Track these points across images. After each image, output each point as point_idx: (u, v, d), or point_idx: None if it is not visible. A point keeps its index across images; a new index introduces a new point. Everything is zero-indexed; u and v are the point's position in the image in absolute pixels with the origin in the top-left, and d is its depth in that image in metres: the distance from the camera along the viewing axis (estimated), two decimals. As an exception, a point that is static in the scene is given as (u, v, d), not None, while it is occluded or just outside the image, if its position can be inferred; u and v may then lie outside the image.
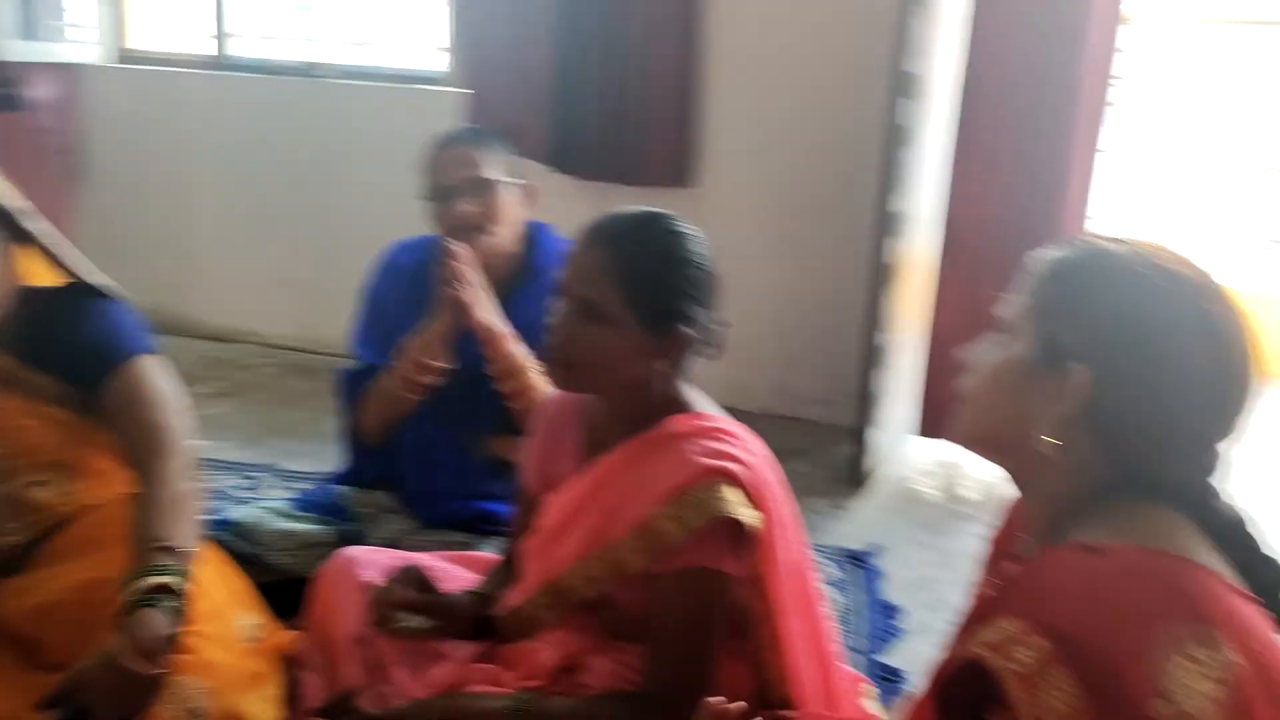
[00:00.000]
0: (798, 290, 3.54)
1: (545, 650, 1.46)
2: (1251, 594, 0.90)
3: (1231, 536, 0.94)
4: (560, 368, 1.43)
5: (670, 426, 1.41)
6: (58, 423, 1.62)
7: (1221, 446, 0.94)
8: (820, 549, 2.58)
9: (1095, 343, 0.92)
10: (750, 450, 1.41)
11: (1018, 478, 1.03)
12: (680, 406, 1.44)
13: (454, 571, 1.70)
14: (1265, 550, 0.95)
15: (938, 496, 3.09)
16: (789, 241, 3.50)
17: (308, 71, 3.96)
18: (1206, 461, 0.95)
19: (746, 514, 1.34)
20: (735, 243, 3.46)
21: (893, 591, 2.46)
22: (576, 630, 1.48)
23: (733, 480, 1.35)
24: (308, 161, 3.90)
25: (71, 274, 1.66)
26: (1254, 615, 0.87)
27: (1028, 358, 0.97)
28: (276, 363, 3.91)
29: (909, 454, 3.34)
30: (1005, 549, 1.13)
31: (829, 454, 3.28)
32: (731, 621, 1.41)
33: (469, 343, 1.94)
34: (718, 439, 1.39)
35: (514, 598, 1.52)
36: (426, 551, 1.81)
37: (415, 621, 1.46)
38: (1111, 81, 3.09)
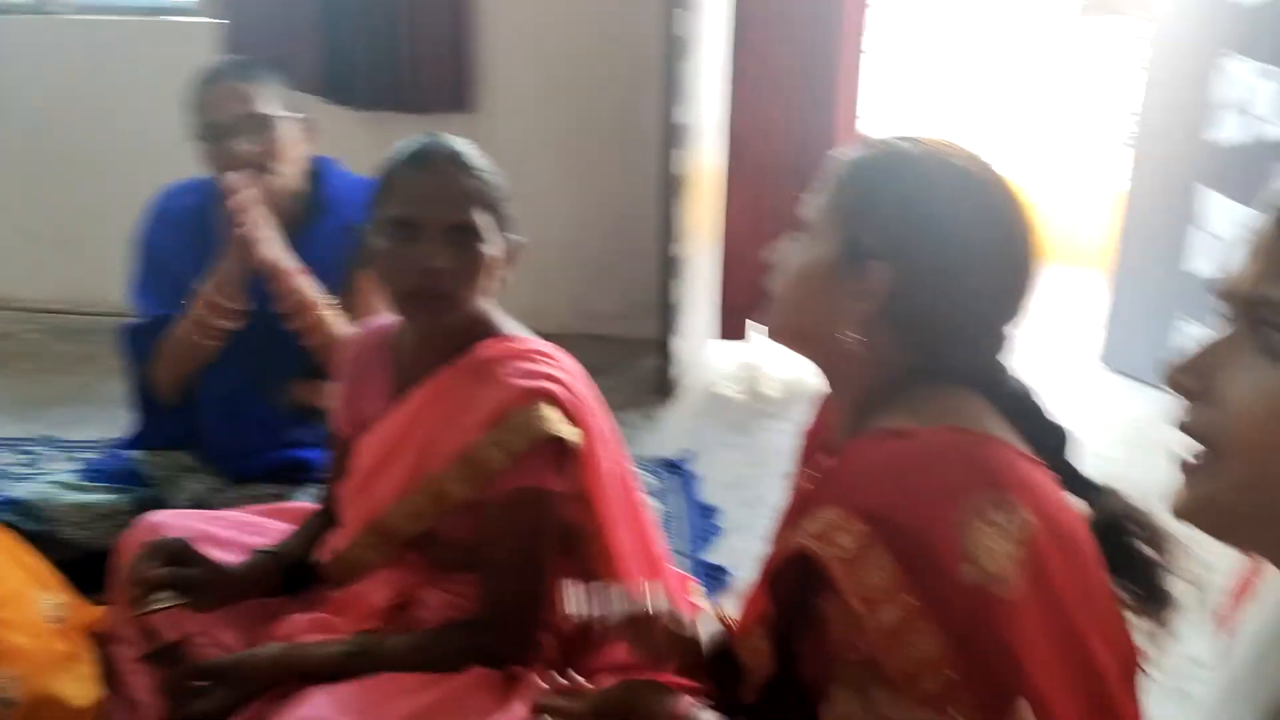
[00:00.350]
0: (590, 208, 3.54)
1: (375, 591, 1.44)
2: (1039, 459, 0.98)
3: (1019, 408, 1.02)
4: (445, 297, 1.39)
5: (481, 352, 1.40)
6: None
7: (1008, 329, 1.02)
8: (636, 460, 2.63)
9: (894, 242, 0.97)
10: (565, 368, 1.42)
11: (826, 371, 1.07)
12: (489, 331, 1.43)
13: (267, 526, 1.64)
14: (1049, 418, 1.04)
15: (743, 398, 3.21)
16: (577, 159, 3.49)
17: (37, 8, 3.59)
18: (996, 344, 1.02)
19: (568, 431, 1.36)
20: (522, 164, 3.41)
21: (709, 493, 2.56)
22: (405, 568, 1.46)
23: (551, 399, 1.35)
24: (51, 108, 3.56)
25: None
26: (1043, 478, 0.95)
27: (832, 258, 1.01)
28: (40, 327, 3.61)
29: (712, 359, 3.45)
30: (818, 442, 1.19)
31: (635, 367, 3.33)
32: (561, 538, 1.43)
33: (262, 282, 1.86)
34: (532, 359, 1.39)
35: (336, 543, 1.49)
36: (236, 507, 1.75)
37: (166, 598, 1.39)
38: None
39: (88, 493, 1.93)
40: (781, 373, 3.34)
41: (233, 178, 1.83)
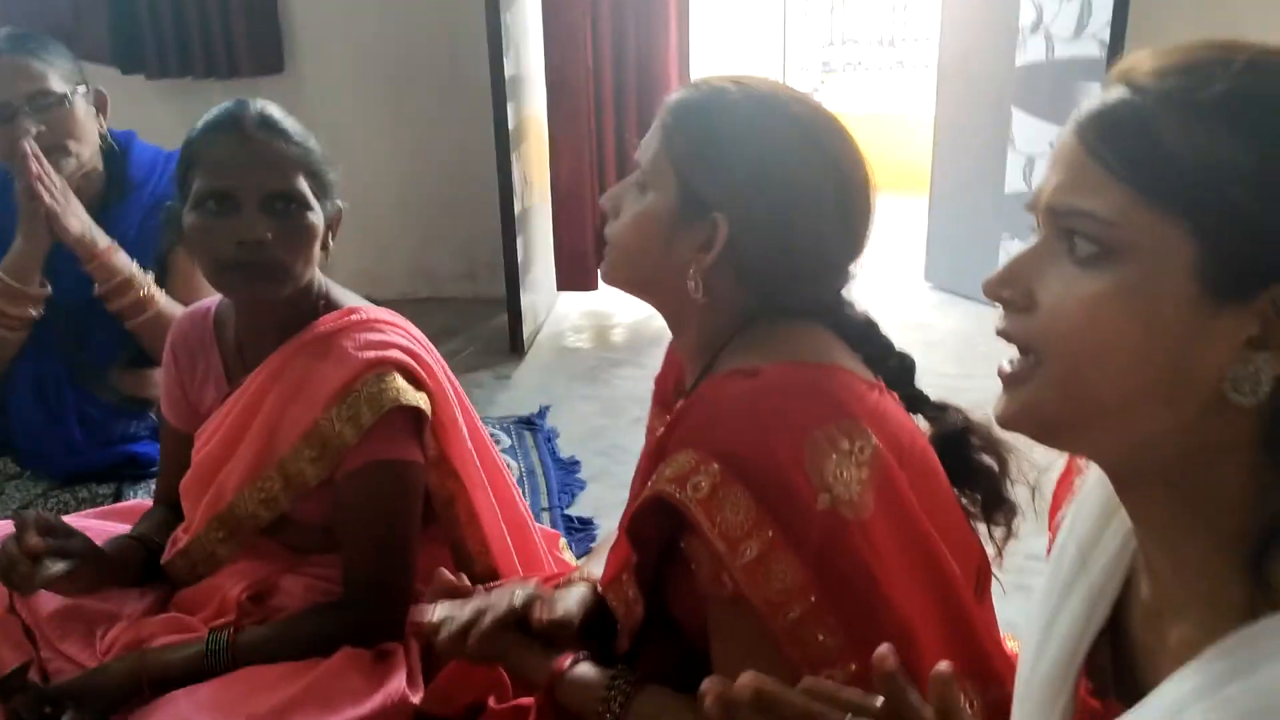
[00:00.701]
0: (423, 168, 3.45)
1: (230, 583, 1.38)
2: (885, 384, 1.01)
3: (863, 337, 1.05)
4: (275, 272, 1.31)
5: (320, 326, 1.34)
6: None
7: (849, 266, 1.04)
8: (491, 420, 2.61)
9: (731, 192, 0.98)
10: (409, 334, 1.38)
11: (670, 316, 1.07)
12: (327, 304, 1.37)
13: (106, 528, 1.54)
14: (892, 346, 1.07)
15: (591, 348, 3.21)
16: (404, 118, 3.39)
17: None
18: (838, 281, 1.04)
19: (419, 398, 1.32)
20: (345, 126, 3.32)
21: (567, 446, 2.55)
22: (260, 557, 1.40)
23: (398, 367, 1.31)
24: None
25: None
26: (888, 403, 0.98)
27: (669, 207, 1.00)
28: None
29: (558, 313, 3.43)
30: (669, 386, 1.19)
31: (483, 328, 3.29)
32: (425, 507, 1.40)
33: (69, 264, 1.73)
34: (374, 329, 1.34)
35: (181, 539, 1.41)
36: (69, 514, 1.64)
37: (57, 568, 1.25)
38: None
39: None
40: (628, 318, 3.35)
41: (23, 150, 1.68)
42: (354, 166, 3.37)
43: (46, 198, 1.68)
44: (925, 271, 3.64)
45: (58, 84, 1.75)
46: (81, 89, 1.80)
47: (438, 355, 1.44)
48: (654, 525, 0.96)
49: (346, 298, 1.40)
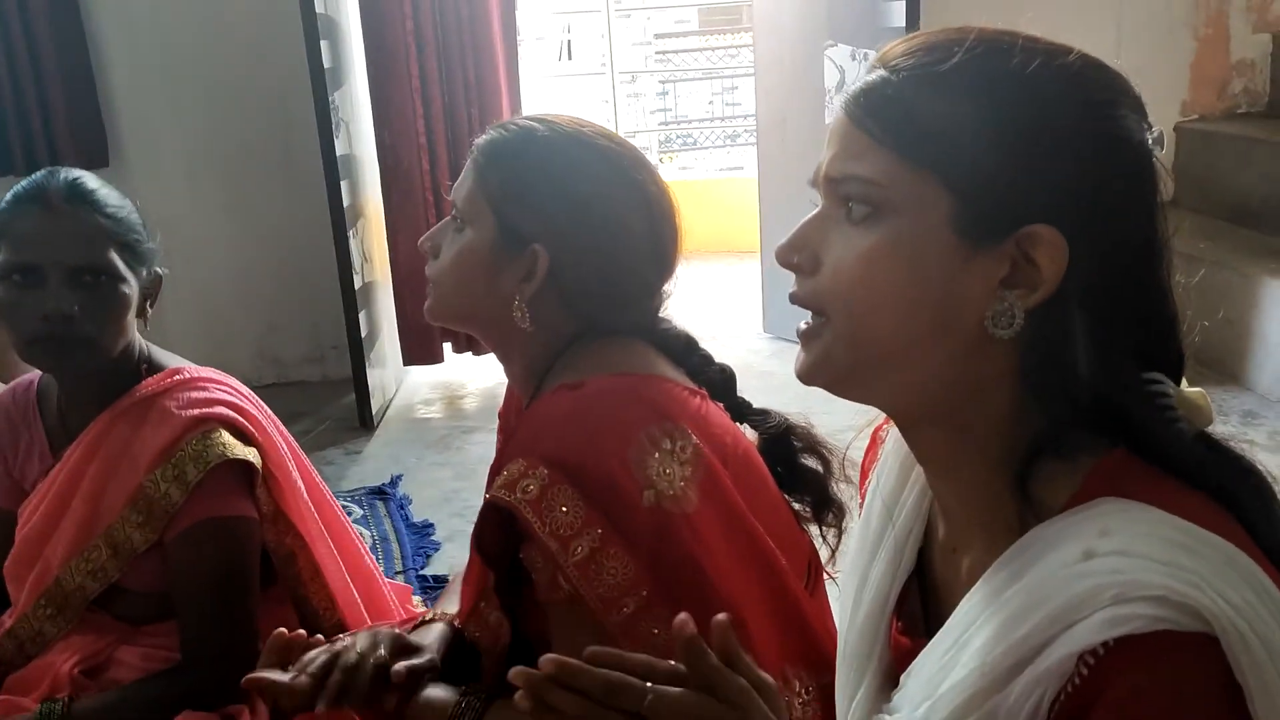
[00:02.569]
0: (262, 254, 3.44)
1: (60, 659, 1.34)
2: (704, 391, 1.07)
3: (685, 350, 1.11)
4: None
5: (142, 391, 1.34)
6: None
7: (663, 285, 1.11)
8: (343, 494, 2.60)
9: (548, 224, 1.04)
10: (235, 390, 1.39)
11: (498, 348, 1.13)
12: (149, 368, 1.37)
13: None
14: (712, 359, 1.13)
15: (441, 418, 3.23)
16: (240, 206, 3.38)
17: None
18: (655, 300, 1.11)
19: (247, 452, 1.33)
20: (181, 217, 3.30)
21: (421, 511, 2.55)
22: (92, 630, 1.38)
23: (224, 422, 1.32)
24: None
25: None
26: (709, 408, 1.05)
27: (489, 243, 1.06)
28: None
29: (407, 387, 3.44)
30: (511, 418, 1.24)
31: (332, 408, 3.27)
32: (264, 565, 1.40)
33: None
34: (197, 388, 1.35)
35: (8, 621, 1.38)
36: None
37: None
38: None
39: None
40: (477, 386, 3.38)
41: None
42: (191, 256, 3.38)
43: None
44: (763, 324, 3.81)
45: None
46: None
47: (268, 411, 1.45)
48: (497, 539, 0.99)
49: (169, 360, 1.40)
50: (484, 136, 1.11)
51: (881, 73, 0.68)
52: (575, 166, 1.06)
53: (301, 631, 1.08)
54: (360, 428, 3.10)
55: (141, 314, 1.35)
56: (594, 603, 0.92)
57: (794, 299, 0.72)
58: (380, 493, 2.64)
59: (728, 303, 4.09)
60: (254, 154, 3.33)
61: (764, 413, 1.14)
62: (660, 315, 1.13)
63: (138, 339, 1.37)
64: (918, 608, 0.78)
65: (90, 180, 1.34)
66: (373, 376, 3.11)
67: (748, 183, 4.36)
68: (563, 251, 1.04)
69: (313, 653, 1.03)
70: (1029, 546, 0.64)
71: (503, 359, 1.14)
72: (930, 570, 0.78)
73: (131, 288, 1.31)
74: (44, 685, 1.34)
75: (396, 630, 1.10)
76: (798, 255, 0.71)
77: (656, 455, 0.95)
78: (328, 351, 3.47)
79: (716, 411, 1.07)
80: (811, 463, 1.12)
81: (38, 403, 1.42)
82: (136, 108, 3.26)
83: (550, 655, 0.64)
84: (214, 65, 3.26)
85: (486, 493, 1.01)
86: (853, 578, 0.82)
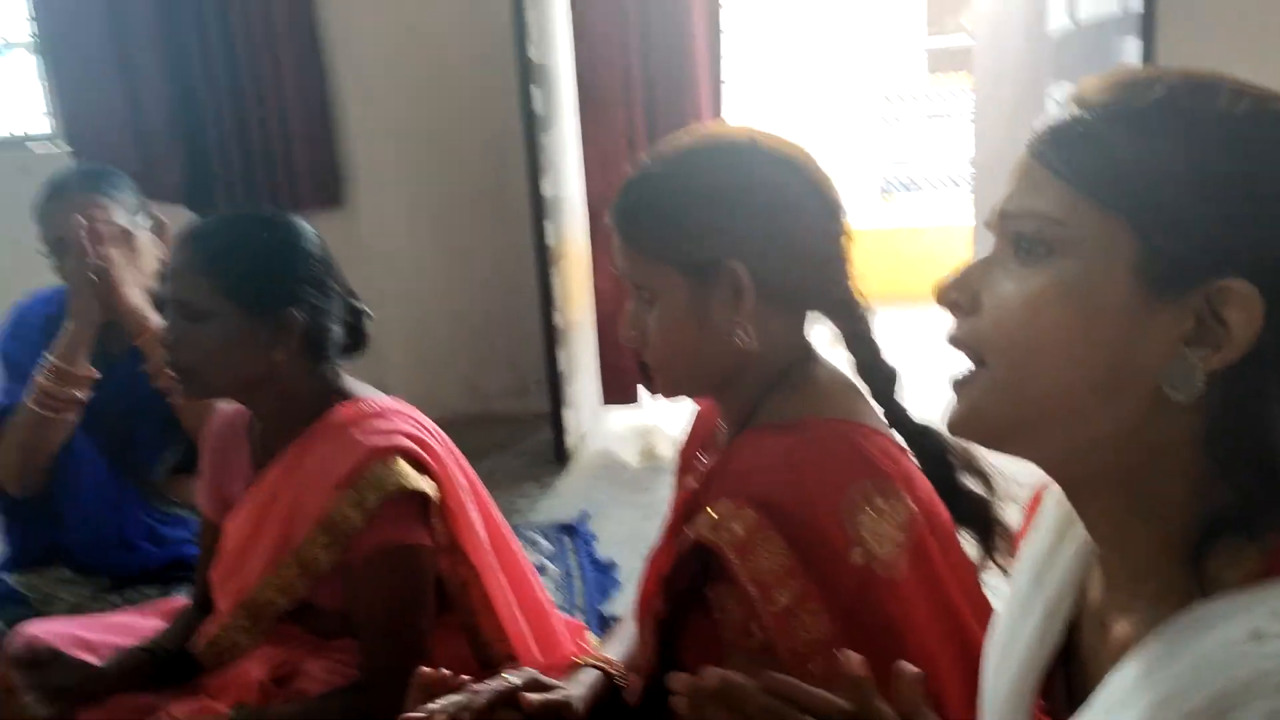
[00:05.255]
0: (470, 288, 3.59)
1: (254, 667, 1.43)
2: (903, 445, 1.02)
3: (858, 341, 1.06)
4: (181, 378, 1.40)
5: (332, 417, 1.42)
6: None
7: (845, 247, 1.06)
8: (532, 526, 2.66)
9: (722, 237, 1.01)
10: (416, 423, 1.45)
11: (726, 388, 1.08)
12: (339, 398, 1.45)
13: (139, 625, 1.61)
14: (882, 358, 1.07)
15: (636, 459, 3.25)
16: (451, 242, 3.55)
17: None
18: (841, 271, 1.06)
19: (424, 483, 1.37)
20: (399, 252, 3.50)
21: (606, 550, 2.57)
22: (283, 642, 1.46)
23: (404, 452, 1.37)
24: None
25: None
26: (913, 467, 1.00)
27: (684, 291, 1.02)
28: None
29: (603, 426, 3.49)
30: (693, 454, 1.21)
31: (530, 442, 3.36)
32: (438, 593, 1.44)
33: (119, 367, 1.84)
34: (382, 418, 1.41)
35: (209, 629, 1.47)
36: (118, 610, 1.72)
37: (33, 706, 1.34)
38: (723, 53, 3.33)
39: (-41, 619, 1.87)
40: (673, 431, 3.39)
41: (77, 227, 1.79)
42: (409, 293, 3.56)
43: (112, 270, 1.79)
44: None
45: (122, 219, 1.90)
46: (141, 219, 1.95)
47: (449, 444, 1.50)
48: (688, 576, 0.98)
49: (360, 390, 1.47)
50: (610, 209, 1.08)
51: (1071, 110, 0.63)
52: (705, 168, 1.03)
53: (445, 671, 1.10)
54: (555, 462, 3.17)
55: (282, 346, 1.38)
56: (785, 655, 0.89)
57: (951, 341, 0.67)
58: (568, 528, 2.68)
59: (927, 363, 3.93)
60: (468, 196, 3.50)
61: (922, 429, 1.06)
62: (852, 296, 1.07)
63: (332, 370, 1.44)
64: (1063, 688, 0.72)
65: (209, 224, 1.43)
66: (570, 413, 3.18)
67: (966, 230, 4.22)
68: (750, 251, 1.00)
69: (452, 696, 1.06)
70: (1192, 623, 0.58)
71: (725, 397, 1.10)
72: (1077, 638, 0.71)
73: (227, 323, 1.36)
74: (236, 691, 1.43)
75: (536, 672, 1.11)
76: (957, 292, 0.66)
77: (869, 512, 0.91)
78: (530, 386, 3.58)
79: (919, 473, 1.01)
80: (972, 484, 1.03)
81: (247, 424, 1.53)
82: (367, 153, 3.49)
83: (717, 670, 0.64)
84: (437, 112, 3.45)
85: (687, 529, 0.99)
86: (995, 644, 0.77)
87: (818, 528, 0.90)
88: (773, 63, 5.62)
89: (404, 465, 1.36)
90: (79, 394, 1.83)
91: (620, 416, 3.53)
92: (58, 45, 3.32)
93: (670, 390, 1.10)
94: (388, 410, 1.44)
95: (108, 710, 1.44)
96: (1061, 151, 0.62)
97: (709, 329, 1.02)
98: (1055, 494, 0.74)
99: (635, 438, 3.41)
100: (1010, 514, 0.99)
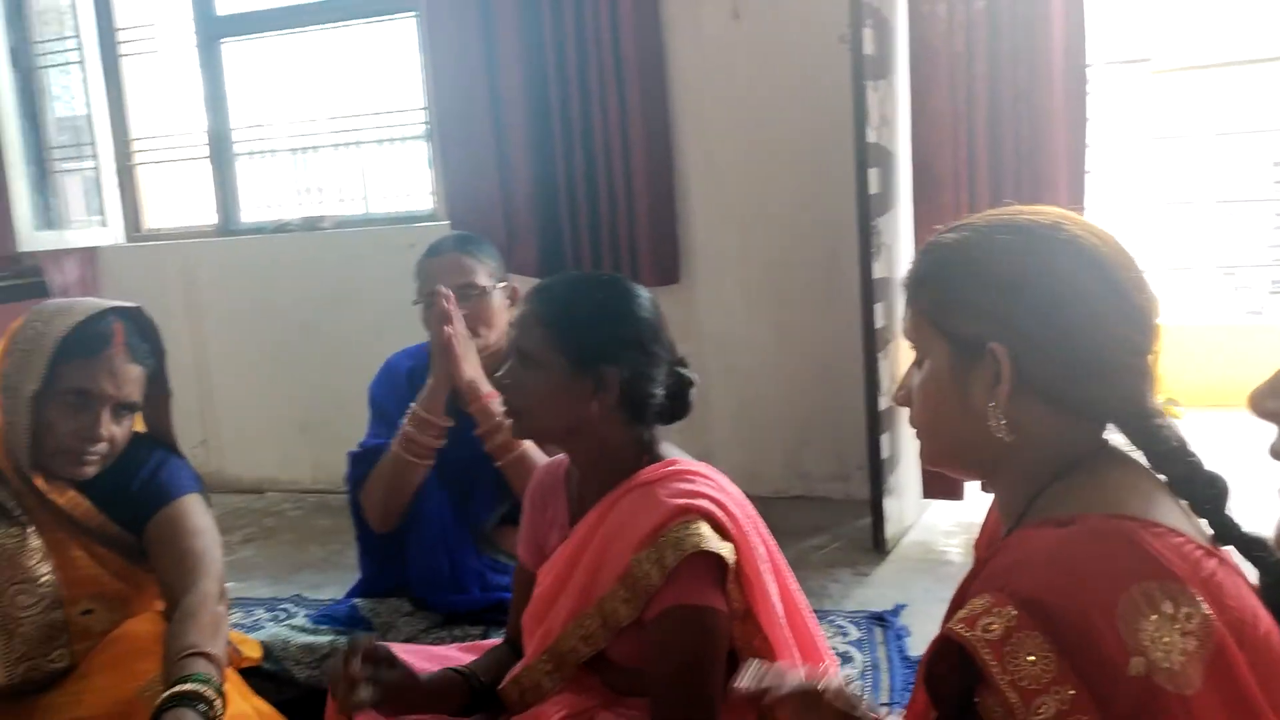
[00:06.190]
0: (798, 368, 3.59)
1: (552, 711, 1.48)
2: (1215, 548, 0.91)
3: (1172, 456, 0.96)
4: (512, 417, 1.51)
5: (642, 476, 1.47)
6: (107, 560, 1.72)
7: (1140, 359, 0.97)
8: (842, 614, 2.58)
9: (990, 316, 0.97)
10: (722, 489, 1.46)
11: (988, 475, 1.05)
12: (651, 458, 1.49)
13: (460, 658, 1.72)
14: (1204, 468, 0.96)
15: (959, 556, 3.08)
16: (784, 323, 3.58)
17: (308, 226, 4.16)
18: (1136, 379, 0.97)
19: (722, 547, 1.38)
20: (731, 330, 3.59)
21: (919, 646, 2.44)
22: (581, 691, 1.51)
23: (704, 515, 1.39)
24: (315, 309, 4.06)
25: (151, 424, 1.83)
26: (1228, 575, 0.88)
27: (947, 363, 1.00)
28: (300, 505, 4.00)
29: (929, 519, 3.34)
30: (985, 550, 1.15)
31: (848, 527, 3.28)
32: (730, 660, 1.43)
33: (461, 431, 2.03)
34: (687, 480, 1.44)
35: (516, 669, 1.55)
36: (443, 644, 1.85)
37: (365, 693, 1.41)
38: (1085, 139, 3.14)
39: (316, 635, 2.10)
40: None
41: (441, 309, 2.04)
42: (739, 369, 3.63)
43: (456, 343, 2.02)
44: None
45: (483, 279, 2.13)
46: (501, 284, 2.17)
47: (751, 511, 1.50)
48: (945, 677, 0.91)
49: (670, 452, 1.52)
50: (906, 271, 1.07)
51: None
52: (989, 241, 0.98)
53: None
54: (873, 550, 3.07)
55: (600, 402, 1.45)
56: None
57: (1274, 454, 0.60)
58: (880, 619, 2.57)
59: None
60: (800, 276, 3.53)
61: (1259, 542, 0.93)
62: (1148, 404, 0.97)
63: (646, 431, 1.49)
64: None
65: (556, 281, 1.55)
66: (890, 501, 3.08)
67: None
68: (1019, 339, 0.95)
69: None
70: None
71: (991, 486, 1.06)
72: None
73: (553, 374, 1.46)
74: (535, 732, 1.49)
75: None
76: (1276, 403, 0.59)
77: (1153, 618, 0.81)
78: (853, 471, 3.51)
79: (1236, 580, 0.89)
80: None
81: (565, 479, 1.61)
82: (705, 233, 3.62)
83: None
84: (774, 193, 3.52)
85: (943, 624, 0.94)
86: None
87: (1090, 631, 0.81)
88: (1148, 152, 5.23)
89: (704, 527, 1.38)
90: (436, 442, 2.04)
91: (945, 509, 3.36)
92: (446, 136, 3.75)
93: (932, 458, 1.07)
94: (692, 472, 1.46)
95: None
96: None
97: (968, 407, 0.99)
98: None
99: (959, 532, 3.23)
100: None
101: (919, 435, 1.07)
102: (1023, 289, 0.96)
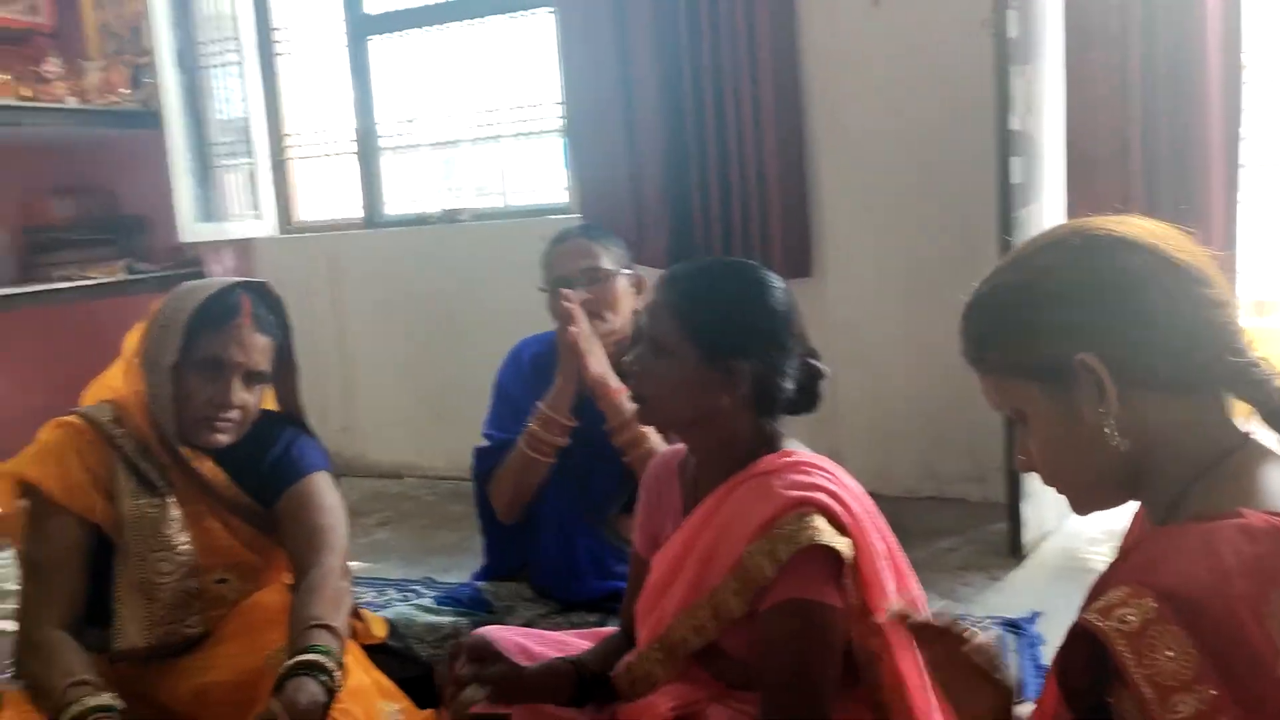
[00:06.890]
0: (933, 367, 3.47)
1: (663, 701, 1.47)
2: None
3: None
4: (639, 403, 1.50)
5: (758, 467, 1.44)
6: (240, 532, 1.80)
7: (1225, 313, 0.94)
8: (972, 618, 2.48)
9: (1065, 333, 0.94)
10: (839, 482, 1.42)
11: (1133, 491, 1.00)
12: (769, 449, 1.46)
13: (578, 645, 1.73)
14: None
15: (1103, 562, 2.92)
16: (917, 319, 3.47)
17: (448, 219, 4.26)
18: (1222, 339, 0.94)
19: (838, 541, 1.34)
20: (864, 325, 3.50)
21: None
22: (691, 682, 1.49)
23: (820, 509, 1.35)
24: (453, 300, 4.16)
25: (282, 402, 1.91)
26: None
27: (1044, 403, 0.97)
28: (435, 491, 4.10)
29: (1072, 526, 3.19)
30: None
31: (983, 530, 3.16)
32: (846, 659, 1.39)
33: (592, 408, 2.03)
34: (803, 472, 1.41)
35: (628, 658, 1.54)
36: (560, 630, 1.87)
37: (470, 692, 1.44)
38: (1240, 129, 2.97)
39: (440, 615, 2.15)
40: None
41: (567, 307, 2.04)
42: (869, 362, 3.54)
43: (580, 341, 2.02)
44: None
45: (607, 263, 2.14)
46: (626, 272, 2.17)
47: (871, 506, 1.45)
48: (1082, 673, 0.87)
49: (788, 443, 1.48)
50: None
51: None
52: (1023, 269, 0.99)
53: None
54: (1009, 555, 2.95)
55: (729, 393, 1.43)
56: None
57: None
58: (1014, 626, 2.47)
59: None
60: (936, 269, 3.41)
61: None
62: (1248, 346, 0.94)
63: (766, 422, 1.46)
64: None
65: (690, 268, 1.54)
66: (1029, 505, 2.95)
67: None
68: (1099, 338, 0.92)
69: None
70: None
71: (1144, 498, 1.01)
72: None
73: (684, 363, 1.44)
74: (644, 720, 1.48)
75: None
76: None
77: None
78: (989, 473, 3.37)
79: None
80: None
81: (679, 469, 1.60)
82: (839, 225, 3.54)
83: None
84: (910, 185, 3.42)
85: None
86: None
87: (1237, 629, 0.77)
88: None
89: (820, 520, 1.34)
90: (561, 440, 2.06)
91: (1094, 519, 3.20)
92: (580, 131, 3.78)
93: (1085, 507, 1.04)
94: (809, 464, 1.43)
95: (524, 712, 1.55)
96: None
97: (1086, 433, 0.94)
98: None
99: (1106, 540, 3.07)
100: None
101: (1060, 490, 1.04)
102: (1077, 292, 0.94)
